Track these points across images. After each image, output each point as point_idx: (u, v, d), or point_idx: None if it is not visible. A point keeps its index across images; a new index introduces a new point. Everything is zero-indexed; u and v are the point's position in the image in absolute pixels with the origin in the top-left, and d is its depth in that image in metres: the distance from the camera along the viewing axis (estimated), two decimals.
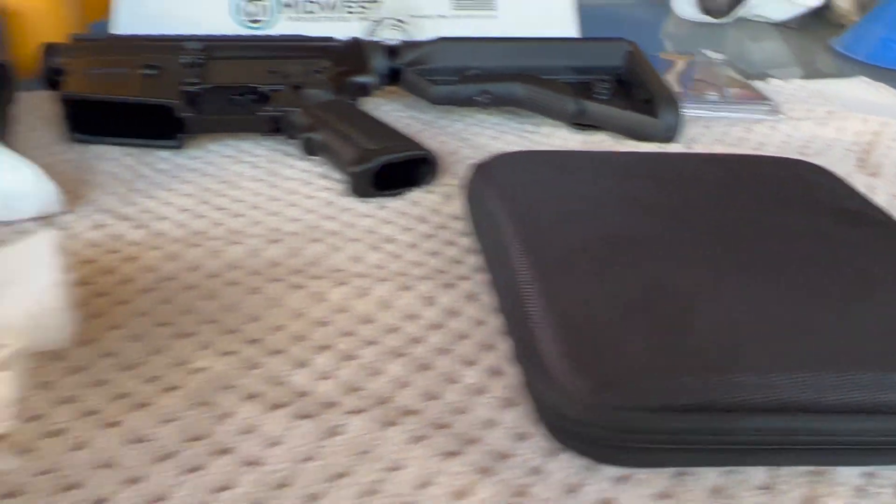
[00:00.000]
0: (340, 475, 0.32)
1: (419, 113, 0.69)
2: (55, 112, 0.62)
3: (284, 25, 0.78)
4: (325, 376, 0.38)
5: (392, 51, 0.67)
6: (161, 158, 0.59)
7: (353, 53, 0.66)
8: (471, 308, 0.43)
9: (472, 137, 0.65)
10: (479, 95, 0.65)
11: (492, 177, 0.46)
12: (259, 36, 0.68)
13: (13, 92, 0.57)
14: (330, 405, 0.36)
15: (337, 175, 0.57)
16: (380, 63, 0.66)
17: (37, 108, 0.64)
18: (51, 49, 0.62)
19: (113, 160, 0.58)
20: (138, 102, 0.57)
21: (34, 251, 0.38)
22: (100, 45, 0.64)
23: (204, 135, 0.61)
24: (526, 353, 0.35)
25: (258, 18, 0.78)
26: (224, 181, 0.56)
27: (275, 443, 0.34)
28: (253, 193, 0.55)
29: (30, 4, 0.69)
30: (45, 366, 0.37)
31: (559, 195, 0.43)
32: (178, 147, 0.59)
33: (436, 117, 0.69)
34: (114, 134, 0.59)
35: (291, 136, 0.60)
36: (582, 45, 0.70)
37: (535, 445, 0.34)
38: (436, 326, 0.41)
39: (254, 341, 0.40)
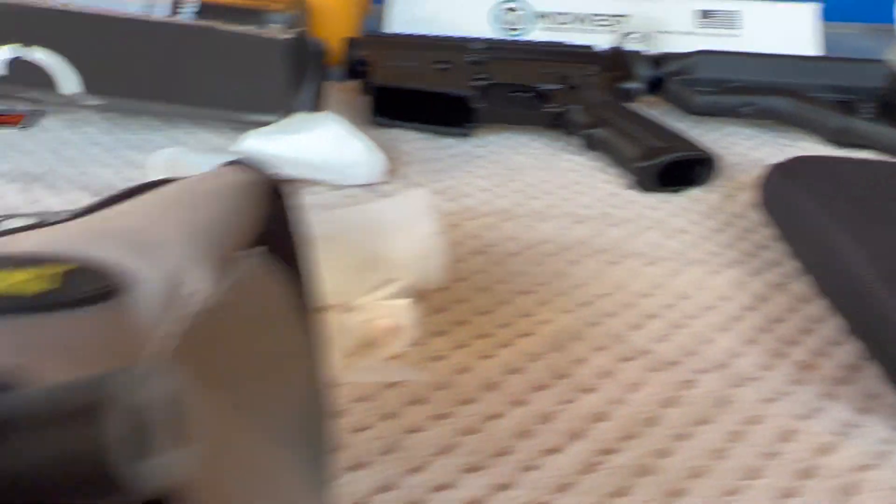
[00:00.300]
0: (702, 421, 0.36)
1: (673, 121, 0.72)
2: (353, 97, 0.69)
3: (537, 34, 0.84)
4: (661, 339, 0.41)
5: (654, 61, 0.71)
6: (449, 145, 0.65)
7: (618, 61, 0.70)
8: (781, 295, 0.46)
9: (730, 147, 0.67)
10: (743, 107, 0.67)
11: (800, 176, 0.49)
12: (528, 41, 0.74)
13: (327, 71, 0.65)
14: (674, 363, 0.40)
15: (614, 170, 0.61)
16: (644, 71, 0.70)
17: (334, 94, 0.72)
18: (353, 43, 0.70)
19: (409, 142, 0.65)
20: (439, 92, 0.64)
21: (411, 204, 0.44)
22: (392, 40, 0.71)
23: (485, 126, 0.67)
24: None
25: (515, 27, 0.84)
26: (511, 168, 0.61)
27: (634, 388, 0.38)
28: (540, 181, 0.59)
29: (327, 3, 0.77)
30: (415, 304, 0.42)
31: (879, 196, 0.45)
32: (466, 135, 0.65)
33: (689, 126, 0.72)
34: (410, 119, 0.66)
35: (570, 132, 0.65)
36: (841, 64, 0.71)
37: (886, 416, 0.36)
38: (750, 308, 0.44)
39: (586, 304, 0.44)
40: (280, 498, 0.19)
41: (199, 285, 0.20)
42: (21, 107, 0.68)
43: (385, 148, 0.63)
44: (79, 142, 0.62)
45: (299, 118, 0.56)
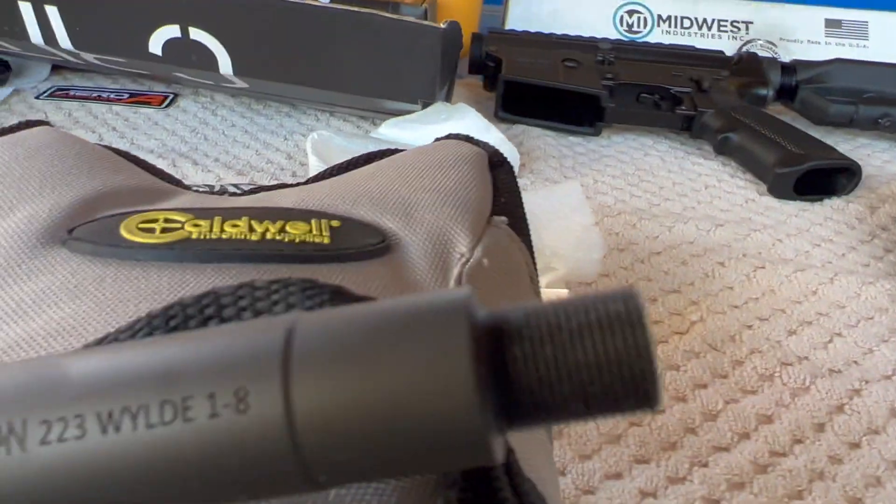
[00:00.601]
0: (875, 431, 0.35)
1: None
2: (475, 92, 0.70)
3: (658, 38, 0.83)
4: (819, 346, 0.40)
5: (787, 68, 0.69)
6: (576, 143, 0.65)
7: (749, 66, 0.69)
8: None
9: (865, 158, 0.65)
10: (882, 118, 0.65)
11: None
12: (656, 43, 0.73)
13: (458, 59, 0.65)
14: (837, 371, 0.39)
15: (747, 175, 0.60)
16: (776, 78, 0.68)
17: (456, 88, 0.73)
18: (481, 38, 0.70)
19: (536, 139, 0.65)
20: (571, 90, 0.63)
21: (566, 196, 0.44)
22: (520, 37, 0.71)
23: (609, 126, 0.66)
24: None
25: (636, 29, 0.83)
26: (641, 169, 0.61)
27: (798, 393, 0.37)
28: (672, 183, 0.59)
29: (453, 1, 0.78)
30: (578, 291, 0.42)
31: None
32: (594, 134, 0.65)
33: (819, 136, 0.70)
34: (537, 116, 0.66)
35: (699, 136, 0.64)
36: None
37: None
38: None
39: (737, 306, 0.43)
40: (546, 458, 0.19)
41: (463, 248, 0.20)
42: (160, 88, 0.71)
43: (513, 142, 0.63)
44: (217, 123, 0.64)
45: (437, 109, 0.57)
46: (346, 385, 0.09)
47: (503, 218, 0.22)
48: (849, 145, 0.68)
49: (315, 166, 0.49)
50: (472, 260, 0.20)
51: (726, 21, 0.84)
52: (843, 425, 0.35)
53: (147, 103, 0.67)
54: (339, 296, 0.13)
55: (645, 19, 0.84)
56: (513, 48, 0.69)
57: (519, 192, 0.25)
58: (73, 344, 0.15)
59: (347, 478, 0.09)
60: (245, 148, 0.60)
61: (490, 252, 0.21)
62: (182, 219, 0.19)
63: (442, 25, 0.49)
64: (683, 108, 0.64)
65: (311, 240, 0.19)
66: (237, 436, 0.09)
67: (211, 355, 0.09)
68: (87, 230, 0.18)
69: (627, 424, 0.35)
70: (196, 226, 0.19)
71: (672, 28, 0.84)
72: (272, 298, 0.12)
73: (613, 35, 0.84)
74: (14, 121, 0.62)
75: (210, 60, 0.53)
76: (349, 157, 0.52)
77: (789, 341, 0.41)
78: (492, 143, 0.56)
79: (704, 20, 0.84)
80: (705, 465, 0.33)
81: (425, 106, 0.56)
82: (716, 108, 0.63)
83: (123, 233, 0.18)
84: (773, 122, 0.61)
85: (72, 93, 0.68)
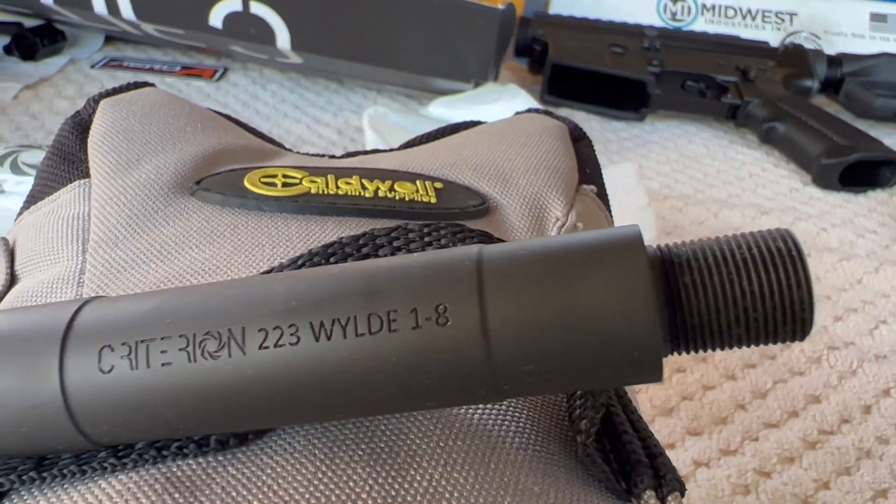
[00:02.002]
0: None
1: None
2: (519, 74, 0.71)
3: (701, 26, 0.83)
4: (865, 333, 0.41)
5: (832, 60, 0.70)
6: (620, 128, 0.66)
7: (795, 57, 0.69)
8: None
9: None
10: None
11: None
12: (701, 32, 0.73)
13: (509, 41, 0.66)
14: (884, 357, 0.39)
15: (791, 165, 0.61)
16: (822, 70, 0.69)
17: (500, 69, 0.74)
18: (526, 22, 0.71)
19: (581, 122, 0.65)
20: (619, 75, 0.64)
21: (622, 176, 0.45)
22: (567, 22, 0.72)
23: (654, 112, 0.67)
24: None
25: (680, 17, 0.83)
26: (685, 156, 0.61)
27: (845, 376, 0.38)
28: (716, 171, 0.59)
29: None
30: None
31: None
32: (639, 119, 0.66)
33: (863, 129, 0.70)
34: (582, 100, 0.66)
35: (744, 125, 0.64)
36: None
37: None
38: None
39: None
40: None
41: (559, 212, 0.21)
42: (209, 61, 0.72)
43: None
44: (268, 98, 0.65)
45: (488, 89, 0.58)
46: (535, 303, 0.10)
47: (592, 186, 0.23)
48: (892, 139, 0.69)
49: (372, 140, 0.50)
50: (567, 223, 0.21)
51: (770, 12, 0.84)
52: (889, 408, 0.36)
53: (199, 76, 0.69)
54: (487, 239, 0.14)
55: (689, 8, 0.84)
56: (559, 32, 0.70)
57: (599, 165, 0.26)
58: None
59: (528, 389, 0.11)
60: (296, 122, 0.61)
61: (582, 217, 0.22)
62: (299, 175, 0.20)
63: (500, 7, 0.49)
64: (729, 96, 0.64)
65: (419, 198, 0.20)
66: (437, 345, 0.10)
67: (410, 277, 0.10)
68: (213, 182, 0.20)
69: (679, 398, 0.36)
70: (313, 182, 0.20)
71: (715, 17, 0.84)
72: (425, 240, 0.14)
73: (656, 23, 0.84)
74: (72, 89, 0.64)
75: (268, 34, 0.54)
76: (403, 132, 0.54)
77: (835, 327, 0.42)
78: None
79: (749, 10, 0.84)
80: (756, 440, 0.34)
81: (476, 86, 0.57)
82: (762, 97, 0.64)
83: (248, 185, 0.20)
84: (819, 113, 0.61)
85: (125, 63, 0.70)
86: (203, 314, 0.11)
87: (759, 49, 0.71)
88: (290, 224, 0.18)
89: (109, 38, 0.74)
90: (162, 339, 0.11)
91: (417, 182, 0.21)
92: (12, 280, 0.19)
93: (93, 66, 0.68)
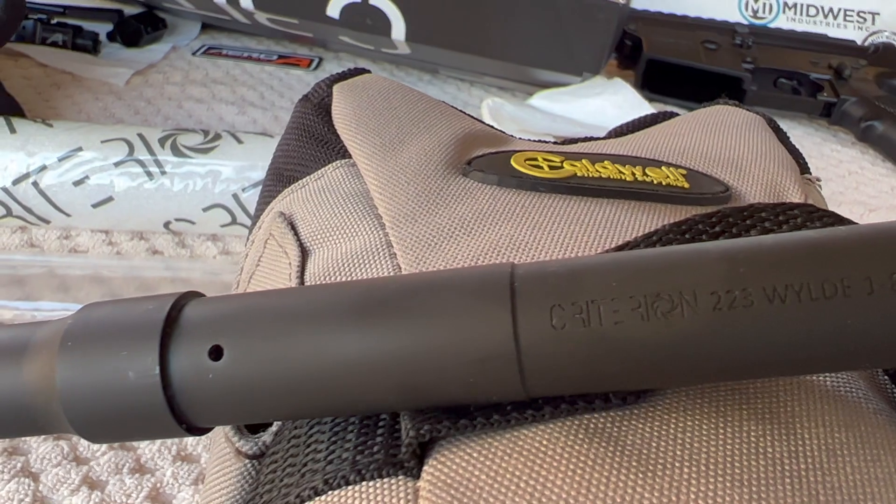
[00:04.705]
0: None
1: None
2: (610, 69, 0.72)
3: (783, 24, 0.83)
4: None
5: None
6: None
7: (887, 56, 0.70)
8: None
9: None
10: None
11: None
12: (789, 30, 0.74)
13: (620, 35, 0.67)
14: None
15: (887, 164, 0.61)
16: None
17: None
18: None
19: None
20: (716, 71, 0.65)
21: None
22: (655, 18, 0.72)
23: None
24: None
25: (761, 15, 0.84)
26: None
27: None
28: (814, 168, 0.60)
29: None
30: None
31: None
32: None
33: None
34: (675, 95, 0.67)
35: (839, 123, 0.65)
36: None
37: None
38: None
39: None
40: None
41: (797, 200, 0.22)
42: (303, 51, 0.73)
43: None
44: None
45: (593, 83, 0.59)
46: None
47: (816, 176, 0.24)
48: None
49: None
50: None
51: (853, 11, 0.84)
52: None
53: (296, 65, 0.70)
54: (839, 220, 0.15)
55: (770, 5, 0.84)
56: (651, 28, 0.71)
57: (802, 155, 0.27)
58: (530, 258, 0.17)
59: None
60: None
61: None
62: (558, 159, 0.21)
63: (620, 1, 0.50)
64: (824, 94, 0.65)
65: (673, 183, 0.21)
66: (892, 310, 0.11)
67: (864, 248, 0.11)
68: (483, 163, 0.21)
69: None
70: (573, 165, 0.21)
71: (797, 15, 0.84)
72: (779, 218, 0.15)
73: (737, 20, 0.84)
74: (179, 76, 0.65)
75: (384, 25, 0.56)
76: (517, 124, 0.54)
77: None
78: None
79: (830, 9, 0.84)
80: None
81: (585, 79, 0.58)
82: (859, 96, 0.64)
83: (517, 167, 0.21)
84: None
85: (224, 52, 0.71)
86: (646, 279, 0.12)
87: (848, 48, 0.71)
88: (571, 205, 0.20)
89: (204, 27, 0.75)
90: (612, 300, 0.12)
91: (663, 168, 0.22)
92: (303, 252, 0.20)
93: (194, 54, 0.70)
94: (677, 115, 0.29)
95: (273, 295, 0.14)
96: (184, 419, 0.14)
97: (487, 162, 0.21)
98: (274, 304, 0.14)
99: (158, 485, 0.28)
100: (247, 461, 0.16)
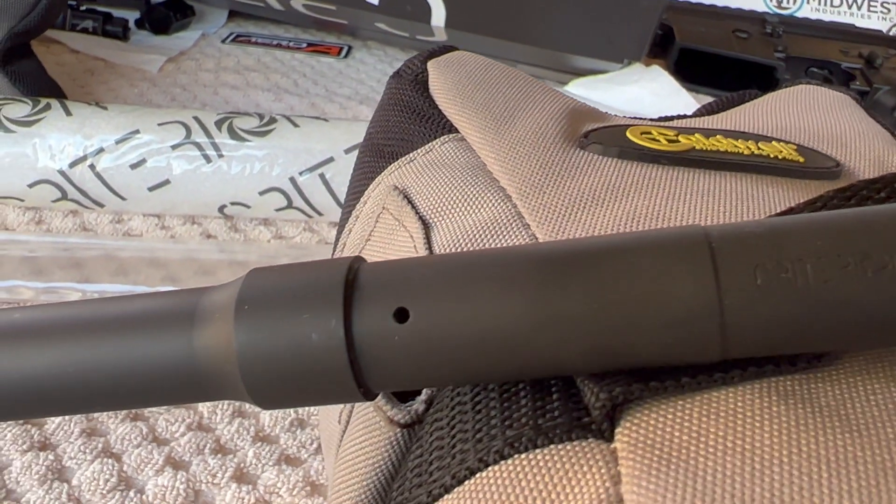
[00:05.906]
0: None
1: None
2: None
3: (807, 14, 0.84)
4: None
5: None
6: None
7: None
8: None
9: None
10: None
11: None
12: (817, 20, 0.74)
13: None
14: None
15: None
16: None
17: None
18: None
19: None
20: (751, 60, 0.65)
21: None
22: (684, 7, 0.72)
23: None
24: None
25: (785, 5, 0.84)
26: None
27: None
28: None
29: None
30: None
31: None
32: None
33: None
34: (706, 84, 0.67)
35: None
36: None
37: None
38: None
39: None
40: None
41: None
42: (331, 39, 0.73)
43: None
44: None
45: (630, 70, 0.59)
46: None
47: None
48: None
49: None
50: None
51: (877, 1, 0.84)
52: None
53: (326, 52, 0.70)
54: None
55: None
56: (681, 16, 0.71)
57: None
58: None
59: None
60: None
61: None
62: (672, 133, 0.21)
63: None
64: (857, 83, 0.65)
65: (788, 157, 0.21)
66: None
67: None
68: (601, 136, 0.21)
69: None
70: (688, 139, 0.21)
71: (821, 5, 0.84)
72: None
73: (761, 9, 0.84)
74: (211, 63, 0.65)
75: (423, 11, 0.55)
76: None
77: None
78: (682, 106, 0.58)
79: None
80: None
81: (625, 66, 0.58)
82: (892, 84, 0.64)
83: (635, 139, 0.21)
84: None
85: (253, 39, 0.71)
86: (852, 238, 0.12)
87: (878, 37, 0.72)
88: (696, 177, 0.19)
89: (231, 14, 0.75)
90: (819, 258, 0.12)
91: (774, 143, 0.22)
92: (425, 225, 0.20)
93: (223, 41, 0.69)
94: (758, 94, 0.29)
95: (448, 259, 0.14)
96: (363, 382, 0.13)
97: (605, 135, 0.21)
98: (452, 266, 0.14)
99: (242, 465, 0.28)
100: (398, 430, 0.16)
